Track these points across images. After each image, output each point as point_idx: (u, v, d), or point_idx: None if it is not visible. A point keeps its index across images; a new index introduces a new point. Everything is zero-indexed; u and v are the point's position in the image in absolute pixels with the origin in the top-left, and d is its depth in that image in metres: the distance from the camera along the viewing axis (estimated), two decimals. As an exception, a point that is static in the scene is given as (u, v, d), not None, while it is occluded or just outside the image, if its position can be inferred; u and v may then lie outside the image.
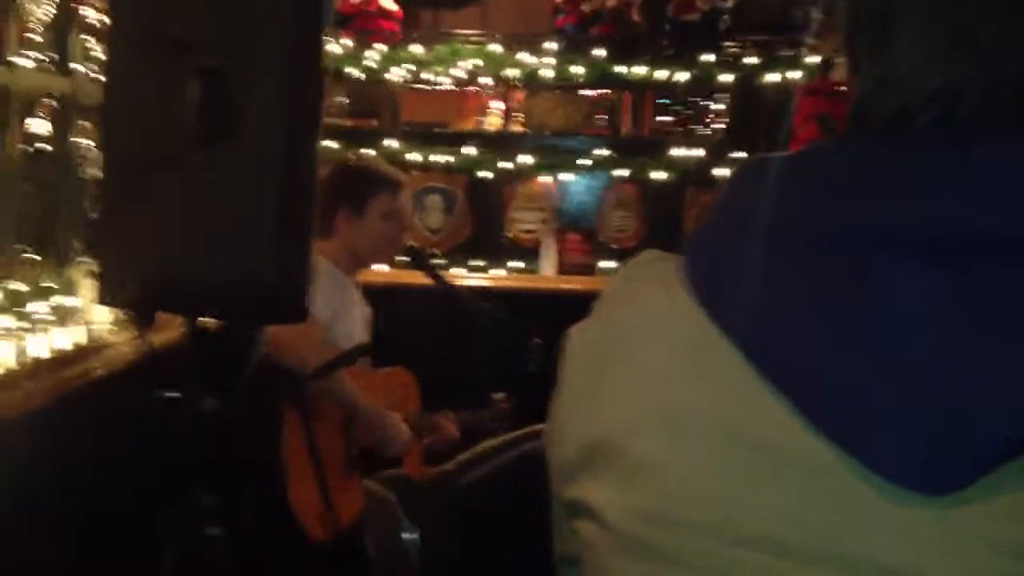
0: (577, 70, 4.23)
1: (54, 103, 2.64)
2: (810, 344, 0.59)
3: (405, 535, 2.16)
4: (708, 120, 4.50)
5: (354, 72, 4.34)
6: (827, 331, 0.59)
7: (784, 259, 0.62)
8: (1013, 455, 0.54)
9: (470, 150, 4.32)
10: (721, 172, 4.12)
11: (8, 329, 2.20)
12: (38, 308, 2.34)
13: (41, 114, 2.59)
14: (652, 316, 0.68)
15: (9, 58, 2.41)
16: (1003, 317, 0.55)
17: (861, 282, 0.58)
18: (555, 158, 4.32)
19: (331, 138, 4.12)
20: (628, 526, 0.64)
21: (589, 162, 4.30)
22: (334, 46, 4.23)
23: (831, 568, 0.57)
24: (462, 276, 4.24)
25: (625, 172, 4.28)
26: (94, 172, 2.64)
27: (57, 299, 2.46)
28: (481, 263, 4.40)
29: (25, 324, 2.27)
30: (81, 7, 2.74)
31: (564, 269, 4.43)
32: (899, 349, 0.56)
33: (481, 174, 4.34)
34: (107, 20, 2.33)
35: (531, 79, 4.30)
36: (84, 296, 2.53)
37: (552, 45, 4.29)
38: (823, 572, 0.57)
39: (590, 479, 0.67)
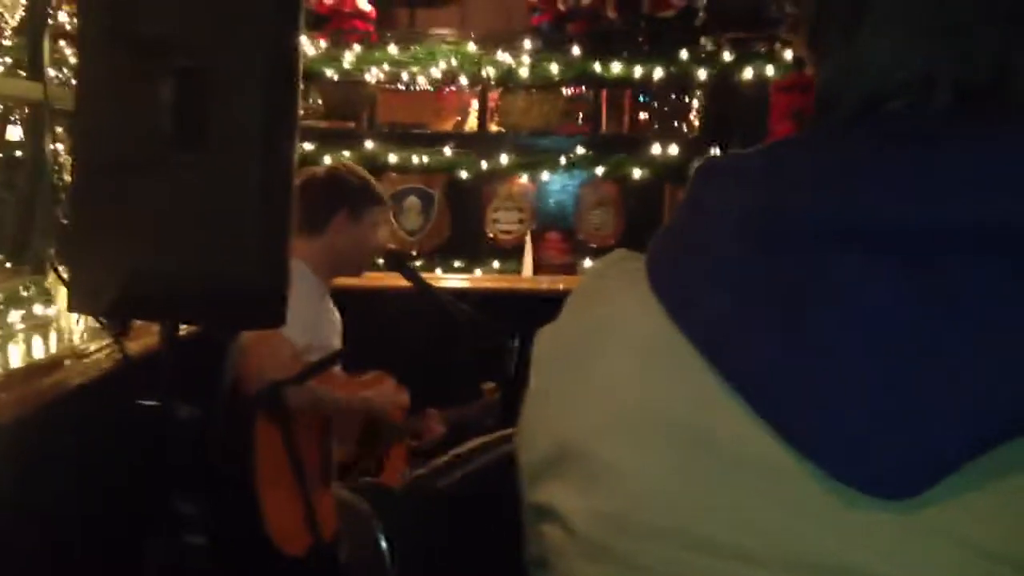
0: (554, 68, 4.22)
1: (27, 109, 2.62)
2: (769, 347, 0.58)
3: (380, 544, 2.15)
4: (686, 117, 4.50)
5: (329, 73, 4.31)
6: (787, 333, 0.58)
7: (743, 259, 0.61)
8: (974, 455, 0.53)
9: (447, 150, 4.30)
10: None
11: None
12: (13, 317, 2.31)
13: (15, 120, 2.57)
14: (617, 317, 0.68)
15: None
16: (963, 316, 0.54)
17: (820, 281, 0.58)
18: (533, 157, 4.31)
19: (307, 140, 4.10)
20: (592, 531, 0.64)
21: (567, 160, 4.29)
22: (309, 47, 4.21)
23: (792, 573, 0.57)
24: (440, 277, 4.22)
25: (603, 170, 4.27)
26: (68, 178, 2.62)
27: (33, 308, 2.43)
28: (460, 264, 4.38)
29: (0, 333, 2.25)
30: (54, 11, 2.71)
31: (542, 269, 4.41)
32: (859, 351, 0.56)
33: (459, 175, 4.32)
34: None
35: (508, 78, 4.29)
36: (60, 304, 2.51)
37: (528, 44, 4.28)
38: None
39: (556, 483, 0.67)
